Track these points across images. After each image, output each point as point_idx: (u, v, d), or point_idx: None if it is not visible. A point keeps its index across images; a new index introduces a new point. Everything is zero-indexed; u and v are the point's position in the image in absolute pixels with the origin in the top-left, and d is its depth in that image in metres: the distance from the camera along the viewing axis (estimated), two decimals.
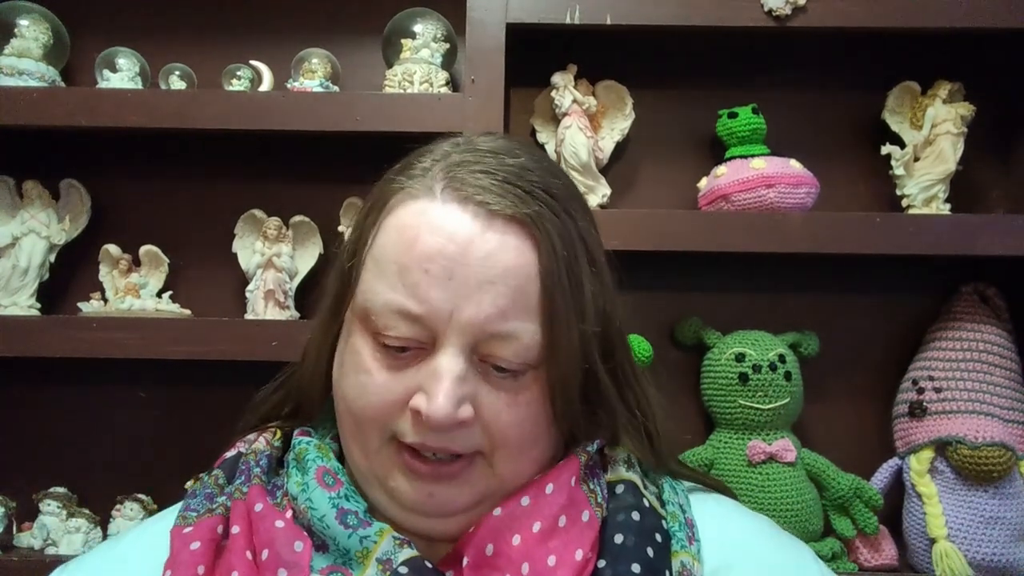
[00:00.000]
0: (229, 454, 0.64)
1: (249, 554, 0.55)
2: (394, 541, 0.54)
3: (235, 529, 0.56)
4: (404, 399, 0.53)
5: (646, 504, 0.57)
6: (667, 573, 0.53)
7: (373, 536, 0.54)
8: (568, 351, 0.54)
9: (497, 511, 0.55)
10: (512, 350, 0.53)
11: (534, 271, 0.53)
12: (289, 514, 0.57)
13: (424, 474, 0.54)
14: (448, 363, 0.52)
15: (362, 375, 0.55)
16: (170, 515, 0.60)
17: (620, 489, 0.57)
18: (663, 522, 0.57)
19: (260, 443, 0.63)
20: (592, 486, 0.57)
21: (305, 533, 0.55)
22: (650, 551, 0.53)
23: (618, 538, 0.54)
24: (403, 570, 0.52)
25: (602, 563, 0.53)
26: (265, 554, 0.54)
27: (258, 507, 0.56)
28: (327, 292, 0.63)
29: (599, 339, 0.57)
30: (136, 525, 0.63)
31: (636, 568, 0.52)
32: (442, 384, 0.51)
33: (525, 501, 0.55)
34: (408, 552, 0.54)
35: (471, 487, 0.55)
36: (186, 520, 0.58)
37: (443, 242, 0.52)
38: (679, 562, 0.54)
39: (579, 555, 0.52)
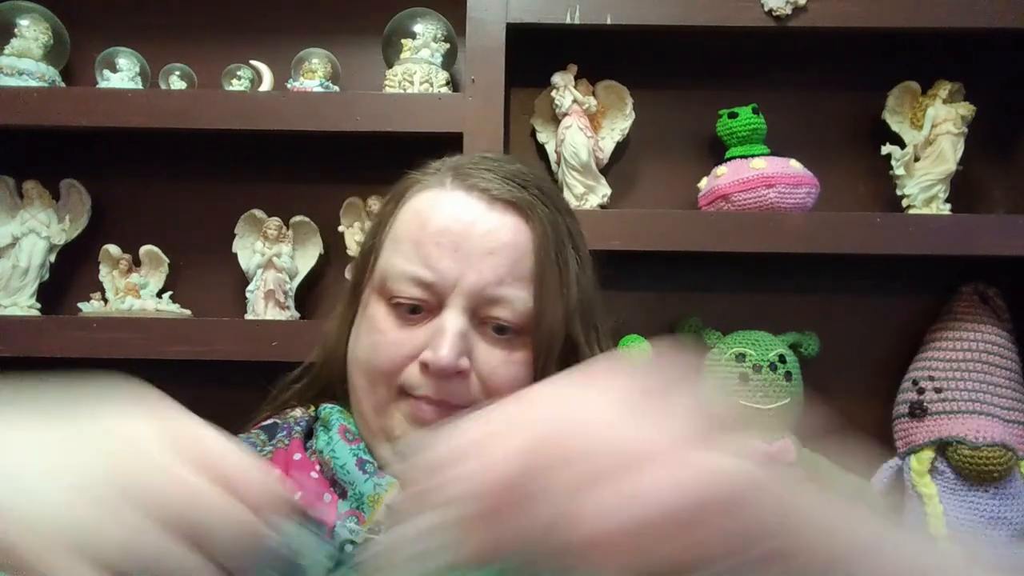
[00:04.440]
0: (265, 423, 0.69)
1: None
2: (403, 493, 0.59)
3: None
4: (413, 354, 0.61)
5: None
6: None
7: (385, 485, 0.59)
8: (553, 319, 0.62)
9: None
10: (507, 313, 0.61)
11: (528, 247, 0.62)
12: (318, 468, 0.62)
13: (428, 421, 0.61)
14: (452, 321, 0.60)
15: (376, 335, 0.62)
16: None
17: None
18: None
19: (297, 411, 0.70)
20: None
21: (332, 489, 0.61)
22: None
23: None
24: None
25: None
26: (297, 496, 0.59)
27: (297, 456, 0.63)
28: (349, 282, 0.71)
29: (580, 315, 0.65)
30: None
31: None
32: (446, 337, 0.59)
33: None
34: None
35: None
36: None
37: (451, 221, 0.62)
38: None
39: None
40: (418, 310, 0.62)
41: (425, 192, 0.65)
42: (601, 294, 0.70)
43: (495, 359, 0.61)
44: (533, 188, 0.65)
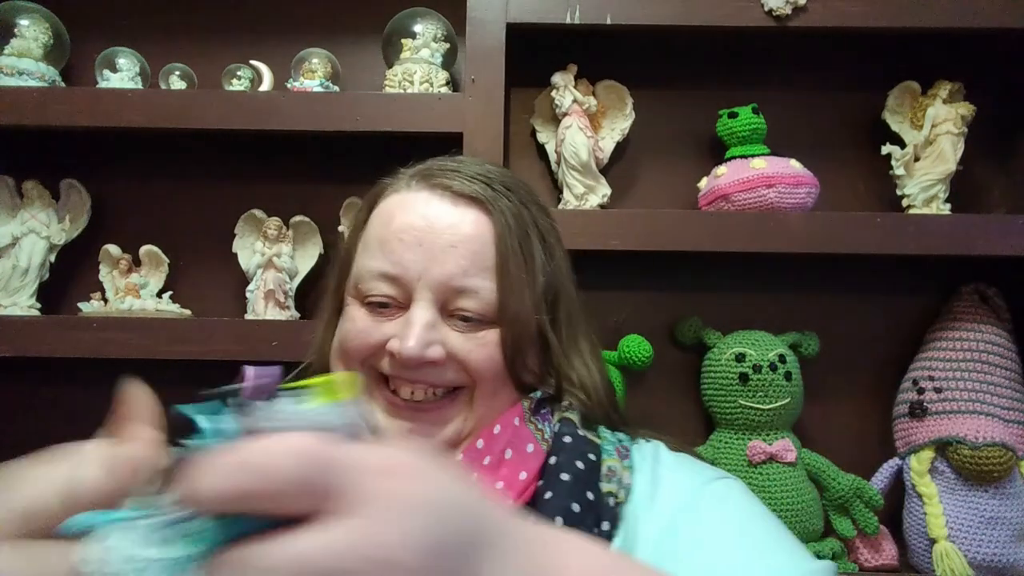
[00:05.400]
0: None
1: None
2: None
3: None
4: (382, 342, 0.63)
5: (580, 433, 0.65)
6: (597, 482, 0.61)
7: None
8: (519, 306, 0.64)
9: (459, 456, 0.63)
10: (473, 303, 0.63)
11: (490, 239, 0.64)
12: None
13: (401, 409, 0.64)
14: (419, 313, 0.62)
15: (349, 324, 0.66)
16: None
17: (558, 427, 0.66)
18: (596, 444, 0.65)
19: None
20: (540, 425, 0.66)
21: None
22: (580, 464, 0.62)
23: (552, 460, 0.62)
24: None
25: (541, 483, 0.61)
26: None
27: None
28: (329, 287, 0.73)
29: (548, 304, 0.67)
30: None
31: (565, 476, 0.60)
32: (413, 329, 0.61)
33: (480, 444, 0.64)
34: None
35: (451, 425, 0.64)
36: None
37: (415, 218, 0.65)
38: (606, 466, 0.63)
39: (522, 476, 0.61)
40: (388, 307, 0.64)
41: (394, 195, 0.68)
42: (576, 288, 0.71)
43: (470, 343, 0.63)
44: (497, 184, 0.67)
